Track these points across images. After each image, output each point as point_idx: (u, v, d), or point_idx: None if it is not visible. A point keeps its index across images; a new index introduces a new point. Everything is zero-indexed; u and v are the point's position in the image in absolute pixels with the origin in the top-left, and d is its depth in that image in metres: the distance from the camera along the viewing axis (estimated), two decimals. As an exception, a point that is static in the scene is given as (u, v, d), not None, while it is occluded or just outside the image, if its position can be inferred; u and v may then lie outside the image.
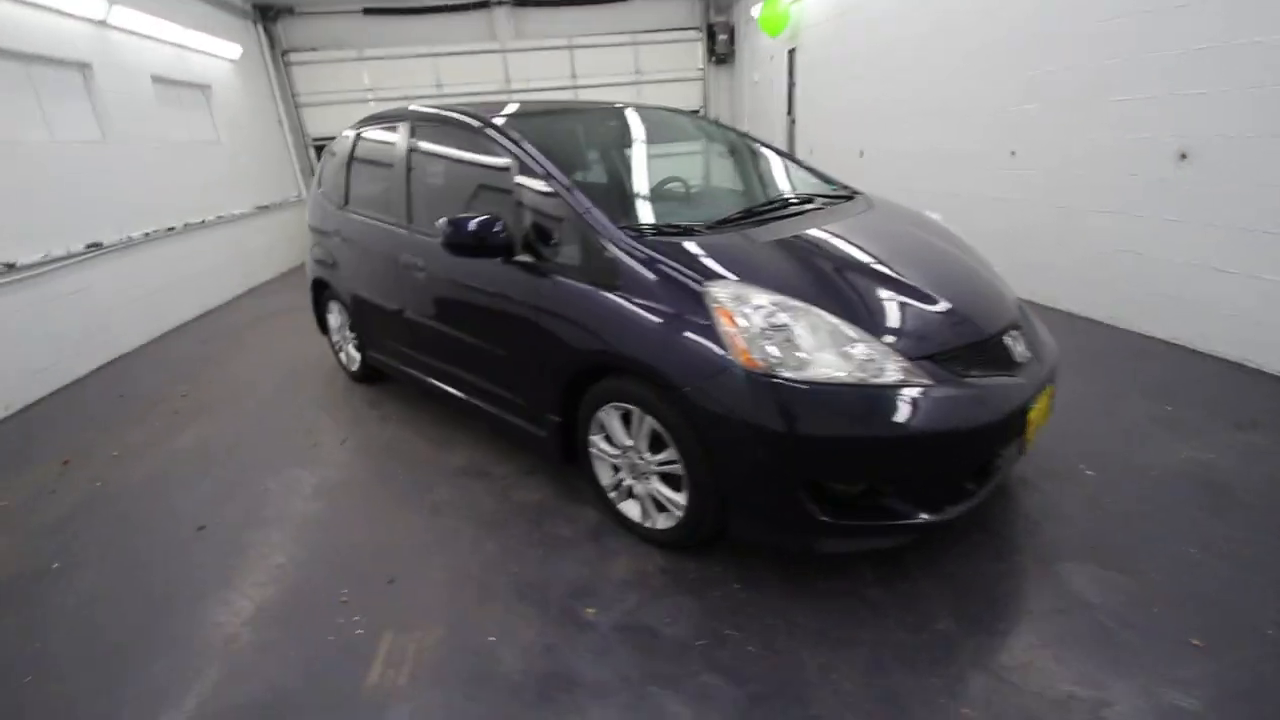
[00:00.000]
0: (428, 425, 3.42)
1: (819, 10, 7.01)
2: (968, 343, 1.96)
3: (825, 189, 2.92)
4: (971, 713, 1.58)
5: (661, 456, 2.10)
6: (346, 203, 3.63)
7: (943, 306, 2.03)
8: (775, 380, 1.77)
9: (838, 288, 2.04)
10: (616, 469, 2.34)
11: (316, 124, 9.08)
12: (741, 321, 1.84)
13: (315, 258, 4.03)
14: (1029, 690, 1.63)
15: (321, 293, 4.14)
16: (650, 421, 2.08)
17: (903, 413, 1.77)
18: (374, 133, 3.50)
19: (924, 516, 1.86)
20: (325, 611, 2.08)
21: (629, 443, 2.20)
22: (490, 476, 2.86)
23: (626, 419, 2.19)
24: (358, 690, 1.77)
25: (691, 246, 2.11)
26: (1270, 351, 3.19)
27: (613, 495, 2.38)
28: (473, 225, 2.30)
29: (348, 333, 3.96)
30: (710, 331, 1.87)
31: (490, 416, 2.82)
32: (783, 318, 1.84)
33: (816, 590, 2.03)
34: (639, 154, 2.96)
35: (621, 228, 2.17)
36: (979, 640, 1.80)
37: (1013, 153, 4.62)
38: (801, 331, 1.83)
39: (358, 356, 3.95)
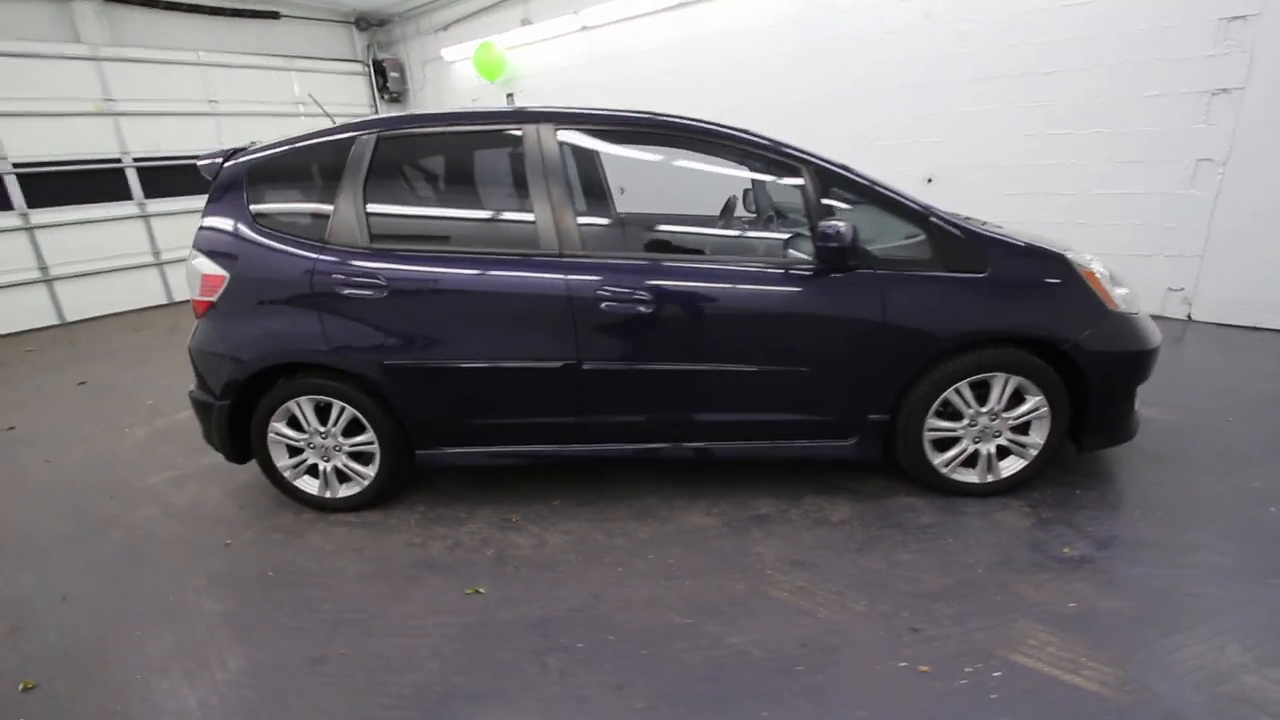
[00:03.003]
0: (591, 503, 2.72)
1: (548, 58, 7.41)
2: (1110, 281, 2.98)
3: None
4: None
5: (1025, 408, 2.45)
6: (371, 240, 2.46)
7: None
8: (1131, 315, 2.42)
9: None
10: (943, 445, 2.53)
11: None
12: (1099, 275, 2.40)
13: (258, 344, 2.53)
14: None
15: (255, 399, 2.60)
16: (1014, 381, 2.41)
17: (1156, 327, 2.64)
18: (432, 142, 2.57)
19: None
20: (899, 670, 1.72)
21: (984, 409, 2.46)
22: (767, 518, 2.55)
23: (974, 389, 2.45)
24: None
25: (989, 230, 2.52)
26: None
27: (944, 471, 2.56)
28: (850, 233, 2.18)
29: (340, 440, 2.63)
30: (1077, 288, 2.37)
31: (757, 452, 2.55)
32: (1108, 271, 2.49)
33: (1114, 474, 2.72)
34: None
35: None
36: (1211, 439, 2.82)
37: (789, 183, 6.11)
38: (1115, 280, 2.51)
39: (371, 472, 2.66)
